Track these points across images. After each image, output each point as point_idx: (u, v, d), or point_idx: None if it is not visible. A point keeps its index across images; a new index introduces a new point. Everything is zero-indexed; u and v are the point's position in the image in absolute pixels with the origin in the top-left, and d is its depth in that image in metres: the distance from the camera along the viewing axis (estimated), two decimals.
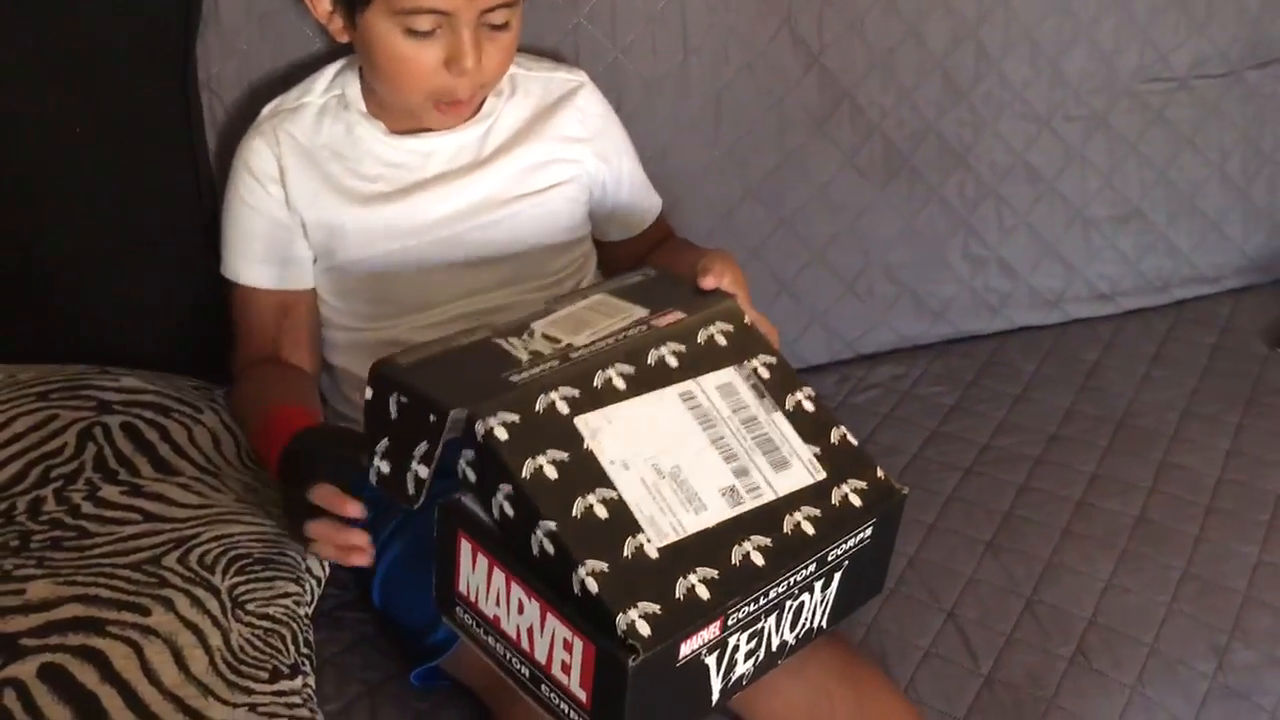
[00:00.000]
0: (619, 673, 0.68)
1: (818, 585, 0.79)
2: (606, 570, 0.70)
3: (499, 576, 0.76)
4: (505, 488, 0.73)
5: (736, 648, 0.75)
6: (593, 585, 0.69)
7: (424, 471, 0.76)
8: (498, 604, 0.77)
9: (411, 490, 0.77)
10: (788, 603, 0.77)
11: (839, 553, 0.80)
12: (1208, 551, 1.18)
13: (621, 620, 0.69)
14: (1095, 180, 1.54)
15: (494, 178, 1.10)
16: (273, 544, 0.94)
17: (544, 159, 1.12)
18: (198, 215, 1.15)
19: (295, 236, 1.09)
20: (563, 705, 0.74)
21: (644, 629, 0.69)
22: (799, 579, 0.77)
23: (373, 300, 1.10)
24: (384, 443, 0.78)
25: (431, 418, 0.74)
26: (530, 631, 0.75)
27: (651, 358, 0.81)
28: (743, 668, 0.77)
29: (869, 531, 0.81)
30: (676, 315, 0.85)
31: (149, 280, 1.17)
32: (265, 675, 0.84)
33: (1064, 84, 1.49)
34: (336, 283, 1.11)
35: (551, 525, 0.71)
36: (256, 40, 1.15)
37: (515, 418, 0.74)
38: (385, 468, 0.79)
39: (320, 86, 1.10)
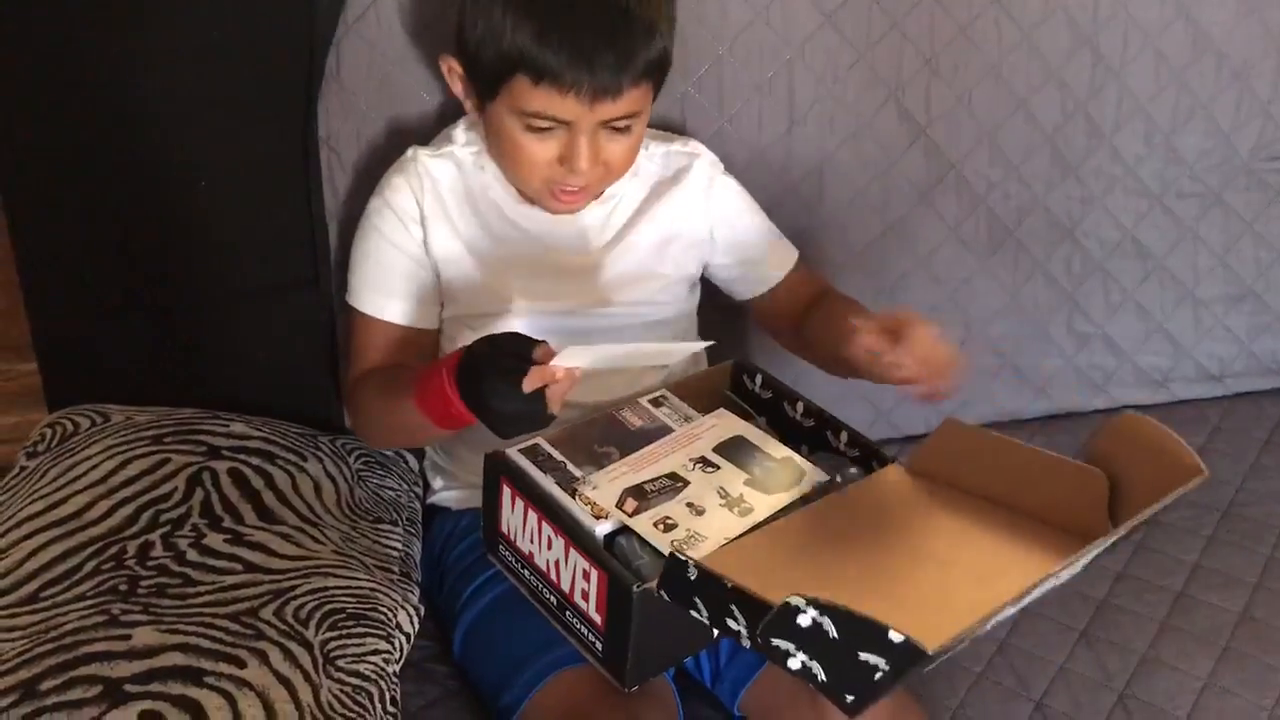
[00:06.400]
0: (625, 597, 0.82)
1: None
2: None
3: (533, 517, 0.90)
4: None
5: None
6: None
7: None
8: (531, 541, 0.90)
9: None
10: None
11: None
12: None
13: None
14: (1208, 259, 1.51)
15: (614, 269, 1.12)
16: (366, 599, 0.97)
17: (663, 239, 1.14)
18: (310, 269, 1.19)
19: (429, 278, 1.10)
20: (582, 628, 0.87)
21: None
22: None
23: None
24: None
25: None
26: (557, 565, 0.88)
27: None
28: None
29: None
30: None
31: (259, 329, 1.21)
32: None
33: (1178, 161, 1.46)
34: (452, 331, 1.13)
35: None
36: (375, 101, 1.18)
37: None
38: None
39: (460, 138, 1.12)
